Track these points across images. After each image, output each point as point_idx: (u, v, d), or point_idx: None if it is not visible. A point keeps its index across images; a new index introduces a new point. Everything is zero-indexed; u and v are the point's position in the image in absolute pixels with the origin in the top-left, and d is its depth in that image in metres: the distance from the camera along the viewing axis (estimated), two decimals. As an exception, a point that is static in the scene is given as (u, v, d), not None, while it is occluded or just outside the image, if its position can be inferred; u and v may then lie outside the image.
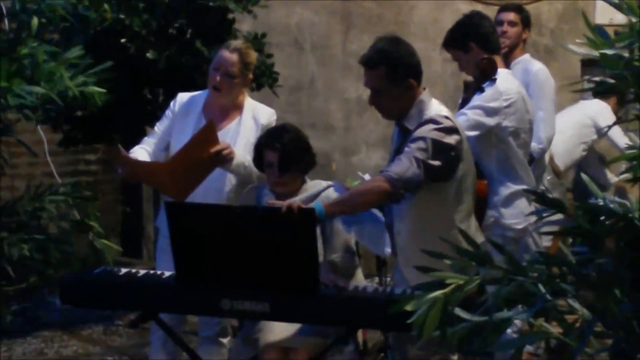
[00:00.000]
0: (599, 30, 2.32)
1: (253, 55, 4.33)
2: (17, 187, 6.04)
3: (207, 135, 3.98)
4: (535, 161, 4.94)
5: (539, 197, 2.48)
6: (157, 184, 4.27)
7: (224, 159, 4.02)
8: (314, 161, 4.11)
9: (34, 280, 4.13)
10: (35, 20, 4.07)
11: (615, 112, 6.45)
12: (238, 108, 4.32)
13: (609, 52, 2.26)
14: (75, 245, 4.25)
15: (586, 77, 2.31)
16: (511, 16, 5.28)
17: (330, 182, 4.13)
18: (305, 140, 4.08)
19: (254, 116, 4.31)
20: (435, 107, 3.65)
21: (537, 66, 5.25)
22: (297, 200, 3.88)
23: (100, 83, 4.16)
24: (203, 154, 3.97)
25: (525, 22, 5.34)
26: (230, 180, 4.23)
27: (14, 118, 4.28)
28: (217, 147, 3.99)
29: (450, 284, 2.24)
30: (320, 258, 3.78)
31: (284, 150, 3.95)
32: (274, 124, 4.30)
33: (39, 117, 4.31)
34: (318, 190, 4.05)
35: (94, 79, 4.11)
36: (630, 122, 2.60)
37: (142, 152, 4.25)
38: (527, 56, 5.32)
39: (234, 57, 4.22)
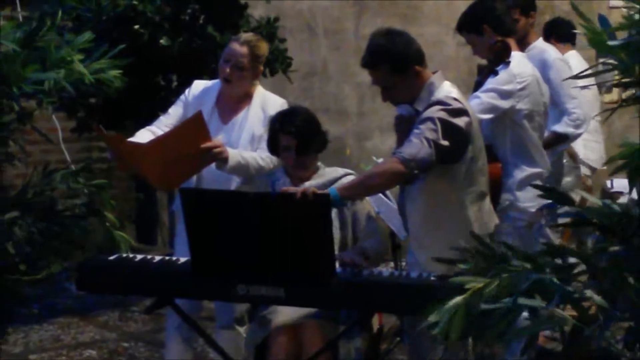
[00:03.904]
0: (600, 19, 2.33)
1: (264, 48, 4.34)
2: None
3: (195, 126, 3.95)
4: (552, 147, 4.87)
5: (546, 190, 2.48)
6: (146, 173, 4.13)
7: (215, 157, 4.03)
8: (327, 139, 4.14)
9: (48, 271, 4.11)
10: (59, 12, 4.06)
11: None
12: (248, 99, 4.33)
13: (611, 42, 2.26)
14: (90, 231, 4.25)
15: (601, 61, 2.28)
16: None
17: (348, 170, 4.13)
18: (316, 119, 4.11)
19: (263, 107, 4.31)
20: (446, 89, 3.64)
21: (553, 55, 5.12)
22: (312, 185, 3.89)
23: (116, 69, 4.15)
24: (193, 146, 3.96)
25: (526, 8, 5.17)
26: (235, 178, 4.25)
27: (30, 106, 4.27)
28: (208, 144, 3.99)
29: (469, 288, 2.24)
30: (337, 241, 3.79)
31: (299, 133, 3.98)
32: None
33: (54, 104, 4.30)
34: (334, 177, 4.06)
35: (111, 65, 4.11)
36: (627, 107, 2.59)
37: (146, 133, 4.21)
38: (540, 41, 5.21)
39: (243, 49, 4.23)
